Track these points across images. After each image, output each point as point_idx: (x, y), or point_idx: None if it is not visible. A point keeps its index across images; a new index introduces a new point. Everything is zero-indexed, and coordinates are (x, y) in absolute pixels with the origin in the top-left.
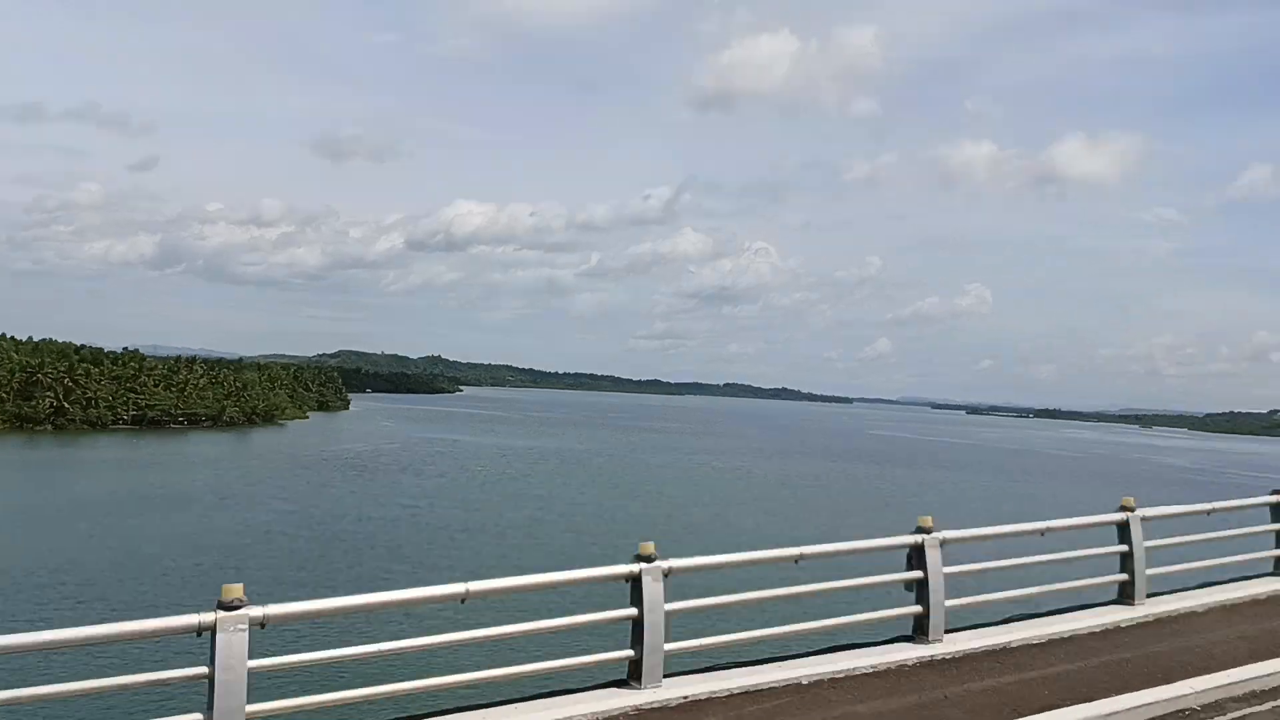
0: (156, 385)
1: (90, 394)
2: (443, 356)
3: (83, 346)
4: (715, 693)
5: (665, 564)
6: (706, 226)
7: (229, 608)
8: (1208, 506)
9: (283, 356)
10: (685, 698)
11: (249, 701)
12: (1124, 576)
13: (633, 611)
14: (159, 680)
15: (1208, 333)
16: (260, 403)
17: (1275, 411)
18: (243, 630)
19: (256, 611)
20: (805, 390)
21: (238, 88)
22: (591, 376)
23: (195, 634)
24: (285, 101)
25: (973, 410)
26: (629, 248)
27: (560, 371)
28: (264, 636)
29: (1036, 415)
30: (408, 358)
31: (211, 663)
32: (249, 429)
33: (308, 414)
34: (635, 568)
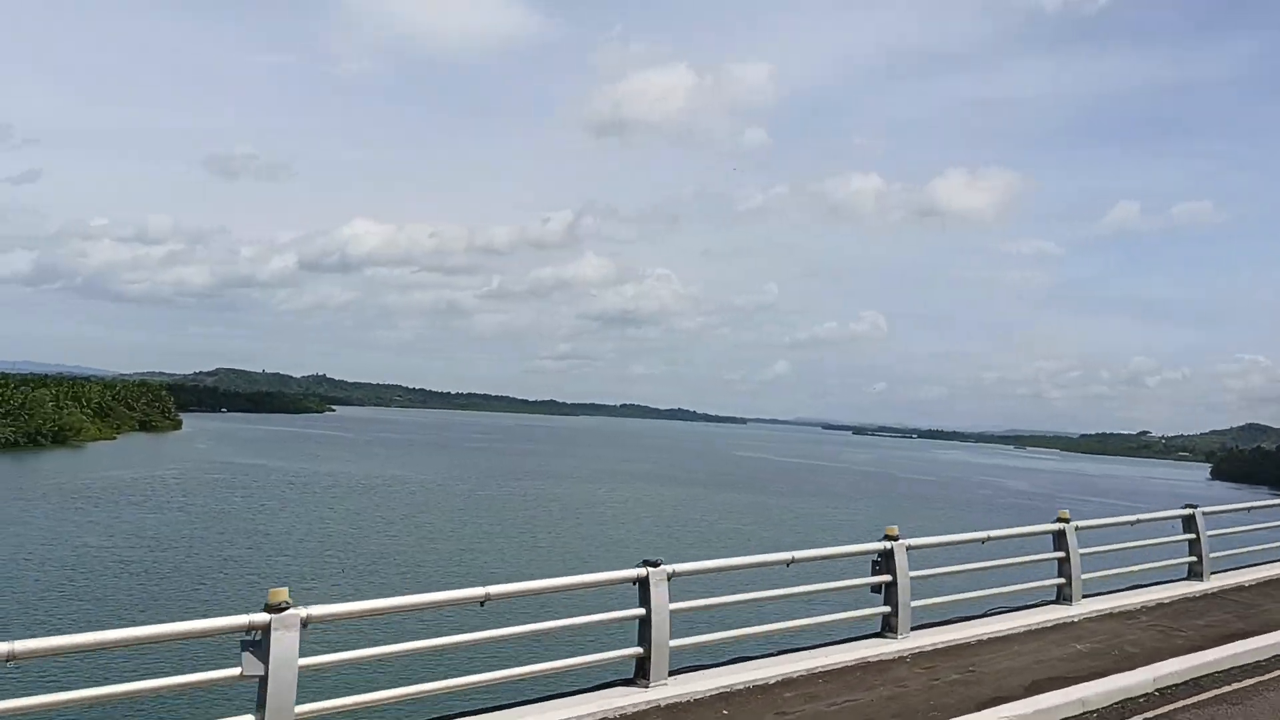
0: None
1: None
2: (328, 376)
3: None
4: None
5: (670, 568)
6: (608, 251)
7: (277, 610)
8: (1133, 519)
9: (157, 374)
10: None
11: (298, 702)
12: (1061, 580)
13: (641, 611)
14: (212, 680)
15: (1089, 357)
16: (47, 423)
17: (1145, 433)
18: (293, 630)
19: (302, 612)
20: (701, 411)
21: (128, 103)
22: (484, 397)
23: (245, 633)
24: (176, 118)
25: (859, 431)
26: (531, 271)
27: (453, 392)
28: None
29: (921, 436)
30: (290, 376)
31: (265, 662)
32: (28, 451)
33: (116, 435)
34: (644, 571)
